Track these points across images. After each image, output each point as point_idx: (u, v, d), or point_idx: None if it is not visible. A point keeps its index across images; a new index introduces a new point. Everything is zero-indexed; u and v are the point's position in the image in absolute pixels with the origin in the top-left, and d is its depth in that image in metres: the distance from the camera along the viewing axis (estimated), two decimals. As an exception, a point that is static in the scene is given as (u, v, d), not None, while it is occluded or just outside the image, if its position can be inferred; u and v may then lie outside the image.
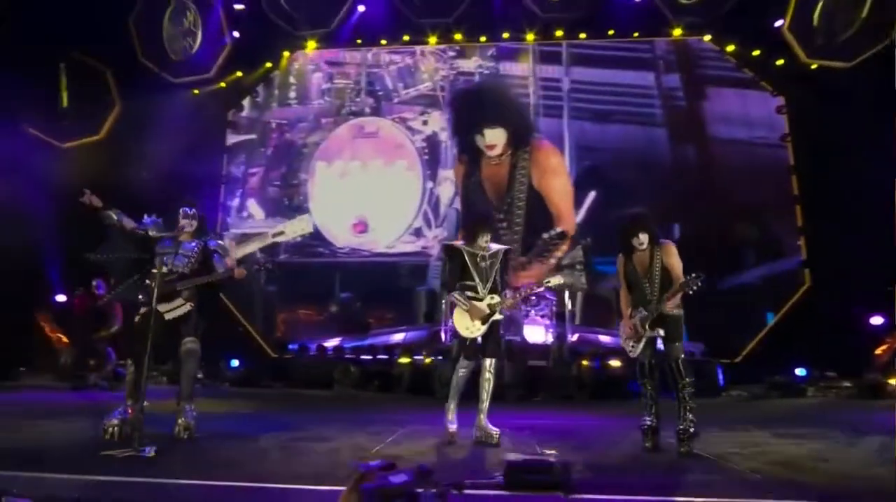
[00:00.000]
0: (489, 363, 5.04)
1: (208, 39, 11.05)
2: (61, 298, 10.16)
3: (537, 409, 7.37)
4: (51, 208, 9.40)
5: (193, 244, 5.19)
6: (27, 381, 9.01)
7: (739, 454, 4.39)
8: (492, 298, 5.03)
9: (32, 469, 3.53)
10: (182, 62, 11.13)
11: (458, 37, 11.71)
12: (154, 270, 4.80)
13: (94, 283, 8.94)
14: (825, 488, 3.46)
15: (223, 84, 11.70)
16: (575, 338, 9.50)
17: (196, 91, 11.50)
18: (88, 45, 10.23)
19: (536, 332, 9.67)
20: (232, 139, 12.12)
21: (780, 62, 10.55)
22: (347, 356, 10.37)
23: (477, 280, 5.04)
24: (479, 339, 4.97)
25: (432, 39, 11.77)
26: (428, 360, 9.26)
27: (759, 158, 10.52)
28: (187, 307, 4.98)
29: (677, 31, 11.32)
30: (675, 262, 4.69)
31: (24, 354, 9.52)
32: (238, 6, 11.18)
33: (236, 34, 11.36)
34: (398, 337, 11.09)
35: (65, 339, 9.13)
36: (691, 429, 4.51)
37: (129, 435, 4.59)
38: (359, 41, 11.85)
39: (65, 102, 10.48)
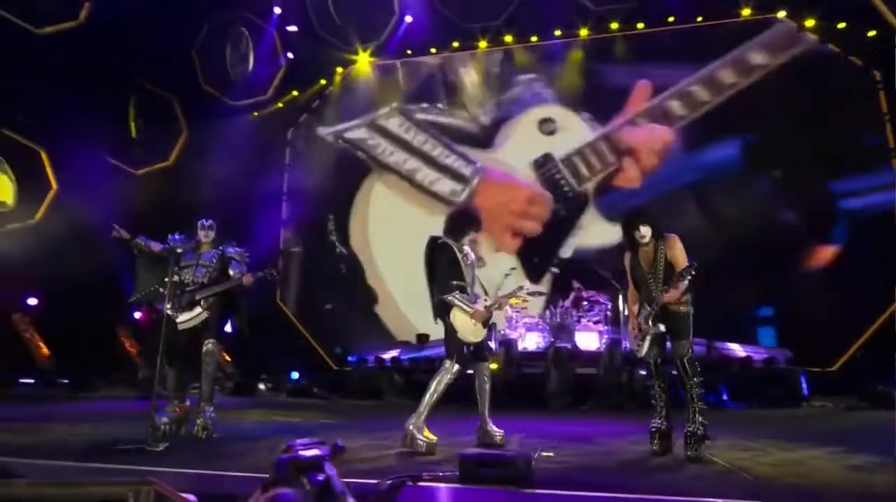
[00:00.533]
0: (485, 366, 5.22)
1: (263, 62, 12.12)
2: (138, 315, 11.51)
3: (580, 418, 7.45)
4: (128, 229, 10.73)
5: (211, 253, 5.86)
6: (105, 392, 10.24)
7: (754, 460, 4.32)
8: (484, 300, 5.16)
9: (54, 459, 4.22)
10: (241, 86, 12.27)
11: (508, 38, 12.02)
12: (175, 279, 5.55)
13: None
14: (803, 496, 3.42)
15: (280, 104, 12.74)
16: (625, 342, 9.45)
17: (255, 113, 12.61)
18: (155, 75, 11.57)
19: (589, 339, 9.71)
20: (290, 156, 13.15)
21: (871, 34, 9.99)
22: (405, 367, 10.87)
23: (467, 280, 5.14)
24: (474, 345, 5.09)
25: (482, 44, 12.15)
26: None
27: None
28: (205, 314, 5.67)
29: (746, 11, 10.99)
30: (679, 255, 4.70)
31: (105, 368, 10.84)
32: (291, 28, 12.18)
33: (290, 55, 12.36)
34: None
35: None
36: (699, 432, 4.48)
37: (177, 432, 5.44)
38: (408, 52, 12.47)
39: (134, 133, 11.86)
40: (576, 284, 10.14)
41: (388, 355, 11.61)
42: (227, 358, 11.95)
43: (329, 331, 12.40)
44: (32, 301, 11.18)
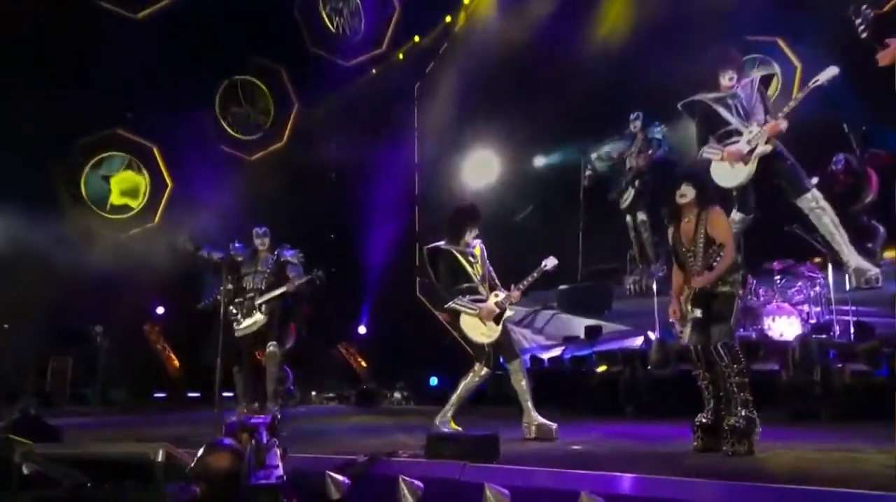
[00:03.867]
0: (517, 365, 6.65)
1: (372, 10, 14.26)
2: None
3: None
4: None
5: (268, 259, 8.11)
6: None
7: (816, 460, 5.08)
8: (496, 295, 6.62)
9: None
10: (352, 42, 14.57)
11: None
12: (231, 287, 7.83)
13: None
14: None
15: (400, 55, 14.80)
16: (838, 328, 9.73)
17: (374, 70, 14.83)
18: (253, 48, 14.32)
19: (786, 324, 10.15)
20: (419, 116, 15.14)
21: None
22: (565, 369, 12.26)
23: (475, 279, 6.64)
24: (491, 344, 6.56)
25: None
26: (617, 368, 10.66)
27: None
28: (264, 319, 7.87)
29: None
30: (720, 230, 5.52)
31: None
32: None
33: (403, -5, 14.31)
34: (638, 341, 12.58)
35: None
36: (740, 425, 5.32)
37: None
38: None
39: (243, 114, 14.79)
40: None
41: (548, 355, 13.02)
42: (363, 362, 14.45)
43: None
44: (160, 310, 14.69)
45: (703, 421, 5.65)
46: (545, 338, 14.14)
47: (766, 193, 11.27)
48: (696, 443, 5.64)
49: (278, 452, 4.44)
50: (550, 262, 6.79)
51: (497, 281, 6.90)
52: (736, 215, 11.80)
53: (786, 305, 10.18)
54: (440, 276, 6.76)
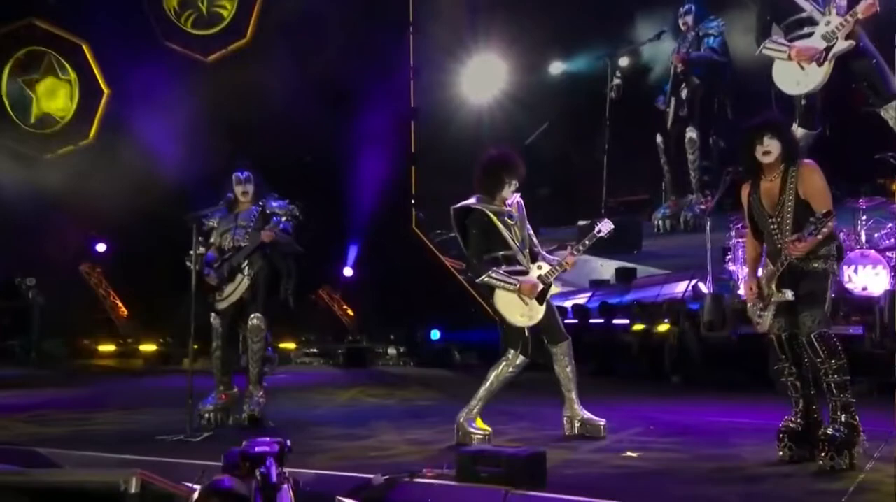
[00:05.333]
0: (564, 348, 6.35)
1: None
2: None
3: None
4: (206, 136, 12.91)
5: (252, 210, 7.47)
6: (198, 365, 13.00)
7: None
8: (539, 267, 6.22)
9: (84, 449, 6.28)
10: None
11: None
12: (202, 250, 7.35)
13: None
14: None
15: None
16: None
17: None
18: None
19: (872, 275, 9.86)
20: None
21: None
22: (593, 324, 12.05)
23: (513, 245, 6.21)
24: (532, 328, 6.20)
25: None
26: (663, 328, 10.46)
27: None
28: (248, 282, 7.39)
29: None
30: (817, 191, 5.17)
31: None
32: None
33: None
34: (679, 288, 12.36)
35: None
36: (840, 435, 5.05)
37: (223, 420, 7.38)
38: None
39: (206, 6, 14.07)
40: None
41: (570, 303, 12.79)
42: (350, 311, 14.19)
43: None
44: (101, 247, 14.24)
45: (791, 425, 5.41)
46: (561, 283, 13.92)
47: (839, 102, 10.91)
48: (781, 453, 5.39)
49: (290, 491, 4.13)
50: (605, 227, 6.40)
51: (539, 247, 6.54)
52: (797, 131, 11.43)
53: (871, 252, 9.73)
54: (470, 243, 6.34)
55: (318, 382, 10.80)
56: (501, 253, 6.26)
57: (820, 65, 9.64)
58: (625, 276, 12.82)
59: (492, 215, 6.25)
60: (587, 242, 6.39)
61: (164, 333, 13.50)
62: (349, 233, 14.08)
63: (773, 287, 5.26)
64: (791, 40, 9.61)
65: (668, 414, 7.52)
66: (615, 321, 11.61)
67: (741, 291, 10.46)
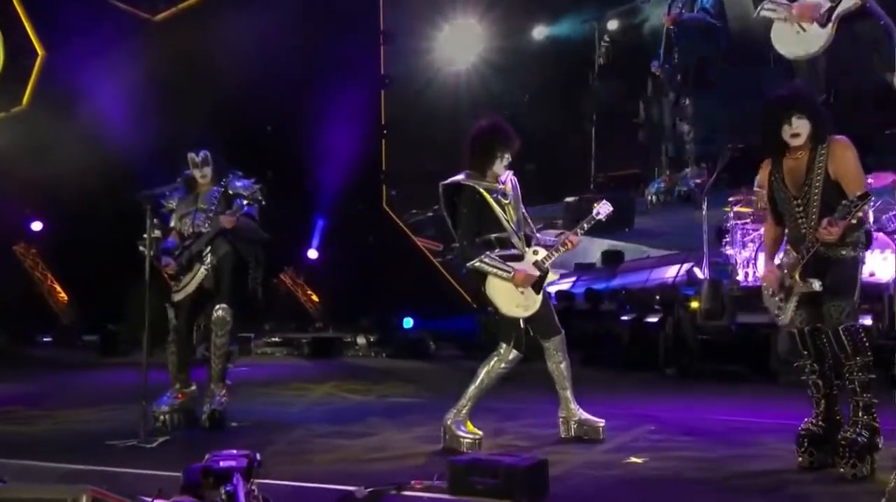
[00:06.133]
0: (557, 343, 6.27)
1: None
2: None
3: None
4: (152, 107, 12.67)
5: (214, 191, 7.32)
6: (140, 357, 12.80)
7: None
8: (534, 252, 6.10)
9: (28, 457, 6.11)
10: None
11: None
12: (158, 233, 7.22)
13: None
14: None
15: None
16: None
17: None
18: None
19: (880, 261, 9.81)
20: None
21: None
22: (577, 306, 12.05)
23: (507, 227, 6.06)
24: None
25: None
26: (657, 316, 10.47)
27: None
28: (206, 272, 7.22)
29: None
30: (850, 171, 5.07)
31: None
32: None
33: None
34: (670, 272, 12.43)
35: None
36: (863, 438, 5.01)
37: (181, 422, 7.21)
38: None
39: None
40: None
41: (555, 288, 12.80)
42: (314, 297, 14.08)
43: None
44: (36, 225, 13.97)
45: (812, 428, 5.35)
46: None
47: (841, 66, 10.87)
48: (801, 459, 5.35)
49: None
50: (604, 209, 6.32)
51: (535, 229, 6.48)
52: None
53: (880, 235, 9.71)
54: (460, 223, 6.18)
55: (284, 376, 10.63)
56: (494, 235, 6.13)
57: (823, 26, 9.59)
58: (611, 260, 12.86)
59: (484, 193, 6.12)
60: (585, 226, 6.30)
61: (110, 323, 13.26)
62: (314, 211, 13.93)
63: (797, 276, 5.17)
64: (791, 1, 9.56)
65: (667, 412, 7.50)
66: (602, 308, 11.65)
67: (740, 277, 10.55)
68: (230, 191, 7.38)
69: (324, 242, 14.02)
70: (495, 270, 6.05)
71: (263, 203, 7.47)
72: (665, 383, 9.63)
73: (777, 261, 5.47)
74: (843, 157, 5.14)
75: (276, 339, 13.30)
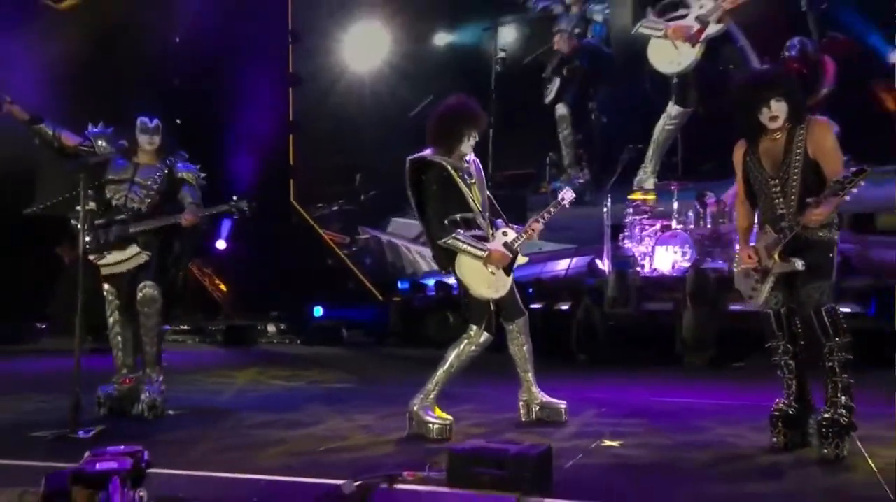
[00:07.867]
0: (520, 325, 5.75)
1: None
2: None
3: (722, 382, 7.88)
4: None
5: (156, 168, 6.33)
6: (51, 343, 11.55)
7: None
8: (504, 233, 5.56)
9: None
10: None
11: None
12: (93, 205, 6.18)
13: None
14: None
15: None
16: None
17: None
18: None
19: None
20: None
21: None
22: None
23: (473, 207, 5.51)
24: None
25: None
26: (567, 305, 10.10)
27: None
28: (143, 257, 6.22)
29: None
30: (829, 151, 4.71)
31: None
32: None
33: None
34: (561, 265, 12.11)
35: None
36: (841, 420, 4.66)
37: (127, 410, 6.21)
38: None
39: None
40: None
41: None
42: (222, 286, 13.15)
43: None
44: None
45: (784, 408, 4.99)
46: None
47: (709, 83, 11.02)
48: (776, 440, 4.98)
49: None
50: (568, 196, 5.78)
51: (501, 212, 5.87)
52: (672, 109, 11.50)
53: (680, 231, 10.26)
54: (430, 200, 5.54)
55: (202, 363, 9.68)
56: (460, 215, 5.50)
57: (693, 45, 9.97)
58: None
59: (452, 171, 5.51)
60: (552, 210, 5.74)
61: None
62: (222, 201, 12.91)
63: (777, 256, 4.77)
64: (667, 20, 9.82)
65: (606, 394, 7.06)
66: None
67: (646, 269, 10.33)
68: (176, 174, 6.43)
69: (232, 234, 13.11)
70: (469, 248, 5.42)
71: (206, 185, 6.64)
72: (580, 368, 9.20)
73: (753, 242, 5.02)
74: (823, 138, 4.77)
75: (186, 327, 12.28)
